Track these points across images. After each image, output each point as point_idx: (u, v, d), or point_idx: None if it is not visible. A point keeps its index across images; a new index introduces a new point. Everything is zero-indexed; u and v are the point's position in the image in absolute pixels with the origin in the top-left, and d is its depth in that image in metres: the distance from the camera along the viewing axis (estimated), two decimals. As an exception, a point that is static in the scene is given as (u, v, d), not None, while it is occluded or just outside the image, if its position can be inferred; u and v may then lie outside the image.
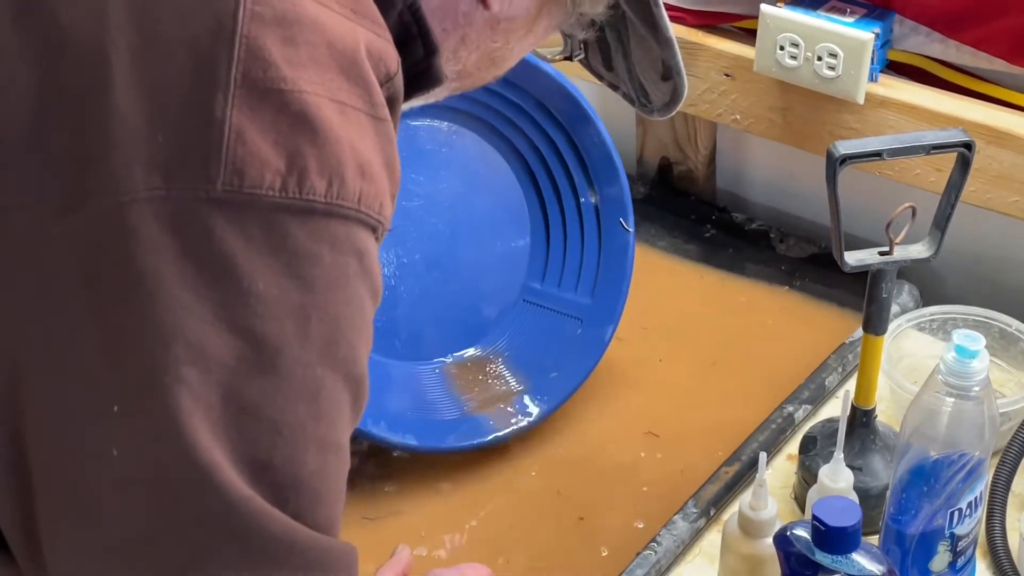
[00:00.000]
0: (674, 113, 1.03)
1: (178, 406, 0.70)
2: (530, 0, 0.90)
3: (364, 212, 0.75)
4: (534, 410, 1.33)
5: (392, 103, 0.79)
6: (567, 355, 1.36)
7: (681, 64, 0.98)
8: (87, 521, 0.73)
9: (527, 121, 1.36)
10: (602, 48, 1.03)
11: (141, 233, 0.70)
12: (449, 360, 1.36)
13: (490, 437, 1.31)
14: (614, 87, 1.06)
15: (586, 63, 1.04)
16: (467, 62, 0.90)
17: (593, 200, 1.37)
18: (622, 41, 1.01)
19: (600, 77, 1.06)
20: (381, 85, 0.77)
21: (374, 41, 0.77)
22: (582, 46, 1.02)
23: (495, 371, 1.36)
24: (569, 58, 1.03)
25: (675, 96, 1.01)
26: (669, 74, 0.99)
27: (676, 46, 0.96)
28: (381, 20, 0.78)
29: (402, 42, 0.80)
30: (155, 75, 0.71)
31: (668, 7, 1.44)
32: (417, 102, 0.88)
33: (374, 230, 0.76)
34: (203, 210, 0.70)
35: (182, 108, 0.71)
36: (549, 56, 1.04)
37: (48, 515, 0.74)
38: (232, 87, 0.71)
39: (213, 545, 0.72)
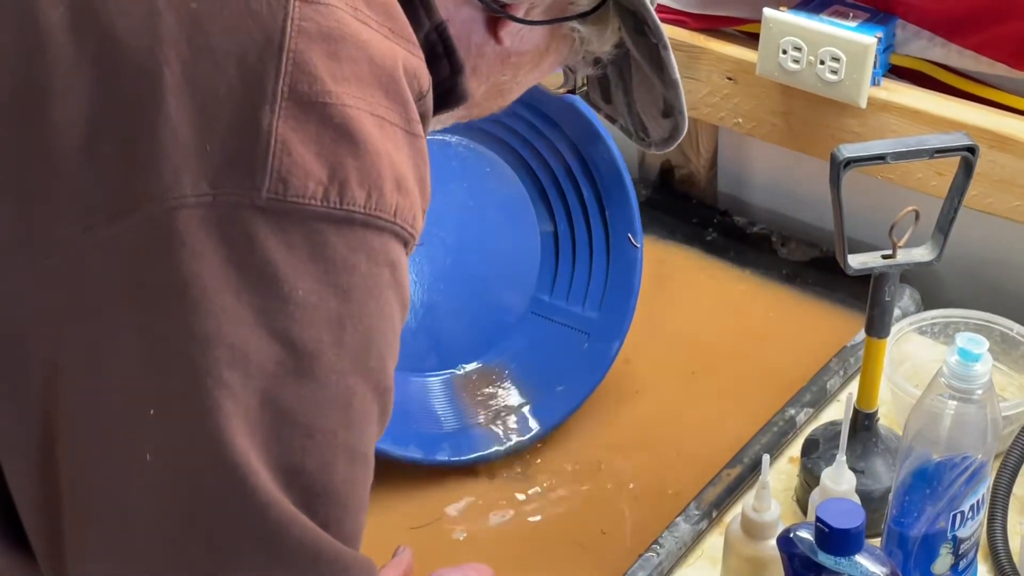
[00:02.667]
0: (672, 148, 1.04)
1: (219, 408, 0.71)
2: (540, 36, 0.92)
3: (399, 224, 0.76)
4: (535, 426, 1.33)
5: (423, 119, 0.80)
6: (573, 369, 1.36)
7: (684, 104, 0.99)
8: (114, 526, 0.73)
9: (537, 136, 1.36)
10: (601, 83, 1.04)
11: (187, 238, 0.71)
12: (457, 371, 1.36)
13: (491, 451, 1.31)
14: (612, 119, 1.07)
15: (585, 96, 1.06)
16: (476, 93, 0.91)
17: (602, 215, 1.37)
18: (623, 78, 1.02)
19: (598, 109, 1.07)
20: (415, 102, 0.78)
21: (409, 59, 0.78)
22: (584, 81, 1.03)
23: (501, 384, 1.36)
24: (572, 91, 1.04)
25: (675, 133, 1.02)
26: (670, 112, 1.00)
27: (681, 87, 0.97)
28: (415, 39, 0.80)
29: (429, 61, 0.82)
30: (205, 87, 0.72)
31: (671, 10, 1.47)
32: (436, 125, 0.89)
33: (406, 243, 0.77)
34: (248, 217, 0.71)
35: (230, 119, 0.72)
36: (552, 89, 1.05)
37: (74, 519, 0.74)
38: (279, 99, 0.72)
39: (241, 551, 0.73)
